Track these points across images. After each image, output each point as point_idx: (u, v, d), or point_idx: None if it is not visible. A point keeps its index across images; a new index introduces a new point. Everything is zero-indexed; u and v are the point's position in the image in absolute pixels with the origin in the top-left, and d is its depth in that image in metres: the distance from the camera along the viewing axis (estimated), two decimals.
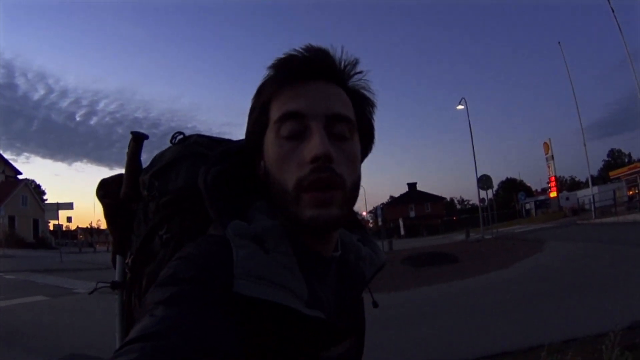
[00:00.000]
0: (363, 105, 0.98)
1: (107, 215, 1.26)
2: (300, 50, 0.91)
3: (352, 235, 1.09)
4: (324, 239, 0.94)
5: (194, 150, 1.09)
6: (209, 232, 0.94)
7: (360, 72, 0.97)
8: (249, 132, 0.97)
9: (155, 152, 1.18)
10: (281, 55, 0.92)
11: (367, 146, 1.01)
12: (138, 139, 1.23)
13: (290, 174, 0.85)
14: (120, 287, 1.21)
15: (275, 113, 0.90)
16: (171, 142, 1.15)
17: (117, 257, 1.23)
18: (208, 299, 0.72)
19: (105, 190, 1.26)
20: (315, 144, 0.84)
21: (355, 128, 0.93)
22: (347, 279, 1.01)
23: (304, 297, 0.81)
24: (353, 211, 1.04)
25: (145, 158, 1.20)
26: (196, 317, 0.68)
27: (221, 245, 0.82)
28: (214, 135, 1.18)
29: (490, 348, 5.99)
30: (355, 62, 0.96)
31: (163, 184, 1.06)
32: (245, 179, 0.97)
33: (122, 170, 1.22)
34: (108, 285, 1.23)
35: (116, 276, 1.22)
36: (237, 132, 1.11)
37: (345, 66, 0.95)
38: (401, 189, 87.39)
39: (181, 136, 1.16)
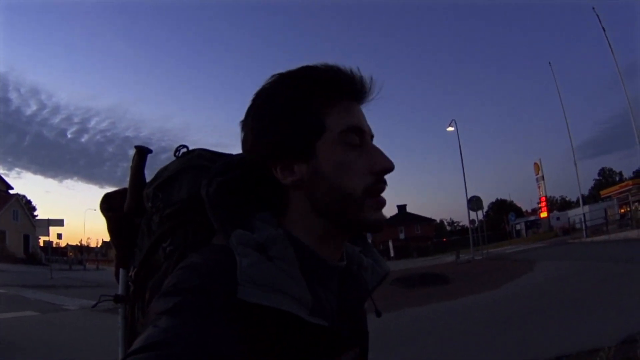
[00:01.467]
0: None
1: (111, 229, 1.26)
2: (351, 69, 0.95)
3: (354, 246, 1.11)
4: (337, 247, 0.98)
5: (197, 163, 1.10)
6: (212, 243, 0.95)
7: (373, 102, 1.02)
8: (290, 136, 0.92)
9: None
10: (321, 65, 0.94)
11: None
12: (142, 153, 1.24)
13: (358, 181, 0.90)
14: (124, 300, 1.21)
15: (337, 123, 0.92)
16: (175, 155, 1.16)
17: (121, 270, 1.23)
18: (212, 308, 0.73)
19: (109, 203, 1.27)
20: (384, 158, 0.93)
21: None
22: (351, 289, 1.02)
23: (308, 304, 0.82)
24: None
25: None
26: (200, 327, 0.69)
27: (224, 254, 0.83)
28: None
29: None
30: (380, 88, 0.99)
31: (167, 196, 1.07)
32: (247, 190, 0.98)
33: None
34: (111, 299, 1.22)
35: (119, 290, 1.22)
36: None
37: (371, 94, 0.99)
38: (391, 211, 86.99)
39: (184, 149, 1.17)
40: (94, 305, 1.34)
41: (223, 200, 0.92)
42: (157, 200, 1.09)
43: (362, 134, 0.94)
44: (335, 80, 0.94)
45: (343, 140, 0.91)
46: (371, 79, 0.97)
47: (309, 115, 0.92)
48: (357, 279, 1.06)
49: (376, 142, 0.98)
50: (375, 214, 0.92)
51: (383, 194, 0.94)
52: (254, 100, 0.97)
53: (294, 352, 0.82)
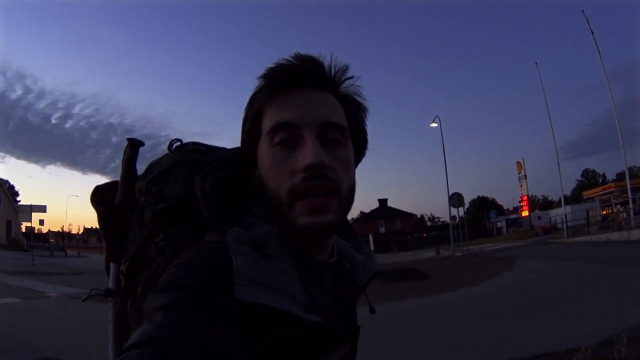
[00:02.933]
0: (355, 111, 1.00)
1: (102, 222, 1.24)
2: (290, 58, 0.92)
3: (346, 242, 1.12)
4: (320, 245, 0.96)
5: (191, 157, 1.08)
6: (205, 239, 0.94)
7: (350, 78, 0.99)
8: (243, 141, 0.98)
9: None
10: (271, 65, 0.93)
11: (360, 151, 1.04)
12: (134, 146, 1.22)
13: (284, 183, 0.87)
14: (115, 294, 1.19)
15: (267, 123, 0.91)
16: (169, 149, 1.14)
17: (112, 264, 1.21)
18: (208, 305, 0.73)
19: (100, 196, 1.25)
20: (307, 153, 0.86)
21: (348, 134, 0.95)
22: (343, 285, 1.02)
23: (302, 302, 0.82)
24: (346, 219, 1.07)
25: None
26: (196, 323, 0.69)
27: (220, 252, 0.83)
28: None
29: None
30: (345, 69, 0.97)
31: (160, 190, 1.06)
32: (242, 186, 0.98)
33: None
34: (102, 292, 1.20)
35: (110, 283, 1.20)
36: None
37: (335, 73, 0.96)
38: (372, 205, 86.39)
39: (178, 143, 1.14)
40: (85, 299, 1.30)
41: (218, 198, 0.92)
42: (151, 194, 1.07)
43: (295, 129, 0.89)
44: (273, 74, 0.93)
45: (271, 140, 0.90)
46: (330, 60, 0.95)
47: (251, 119, 0.95)
48: (350, 276, 1.06)
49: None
50: (305, 218, 0.87)
51: (317, 196, 0.87)
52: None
53: (288, 349, 0.82)
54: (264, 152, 0.92)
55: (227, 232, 0.85)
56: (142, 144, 1.24)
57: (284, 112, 0.90)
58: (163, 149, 1.16)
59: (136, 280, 1.07)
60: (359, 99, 1.02)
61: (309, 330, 0.82)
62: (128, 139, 1.23)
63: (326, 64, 0.95)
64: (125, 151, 1.22)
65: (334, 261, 1.01)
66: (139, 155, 1.23)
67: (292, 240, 0.90)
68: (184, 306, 0.72)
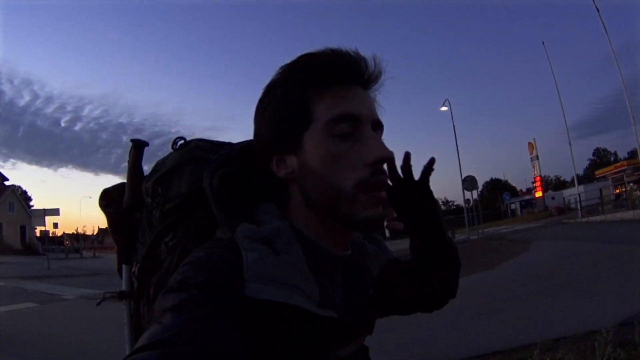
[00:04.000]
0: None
1: (111, 224, 1.24)
2: (341, 52, 0.90)
3: (357, 233, 1.10)
4: (342, 238, 0.96)
5: (196, 154, 1.07)
6: (215, 236, 0.94)
7: (382, 85, 0.98)
8: (279, 128, 0.92)
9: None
10: (317, 54, 0.91)
11: None
12: (139, 147, 1.21)
13: (348, 174, 0.86)
14: (128, 296, 1.18)
15: (325, 113, 0.88)
16: (172, 147, 1.13)
17: (124, 266, 1.20)
18: (218, 305, 0.72)
19: (108, 199, 1.24)
20: (378, 147, 0.87)
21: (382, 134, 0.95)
22: (355, 278, 1.00)
23: (315, 297, 0.82)
24: None
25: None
26: (205, 324, 0.68)
27: (230, 248, 0.82)
28: None
29: (480, 348, 5.96)
30: (383, 73, 0.96)
31: (166, 190, 1.05)
32: (250, 181, 0.97)
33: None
34: (115, 295, 1.20)
35: (123, 286, 1.20)
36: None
37: (376, 76, 0.95)
38: None
39: (182, 141, 1.14)
40: (99, 303, 1.30)
41: (227, 193, 0.91)
42: (157, 194, 1.07)
43: (356, 122, 0.88)
44: (326, 66, 0.90)
45: (331, 130, 0.88)
46: (374, 60, 0.93)
47: (296, 106, 0.91)
48: (362, 267, 1.05)
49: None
50: (369, 210, 0.87)
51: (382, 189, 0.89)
52: (261, 95, 0.96)
53: (301, 344, 0.81)
54: (318, 142, 0.88)
55: (237, 228, 0.85)
56: (147, 144, 1.24)
57: (347, 104, 0.89)
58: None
59: (148, 281, 1.07)
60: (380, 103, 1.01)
61: (322, 325, 0.82)
62: (132, 140, 1.22)
63: (371, 63, 0.93)
64: (130, 152, 1.21)
65: (348, 254, 0.99)
66: (150, 153, 1.22)
67: (313, 233, 0.90)
68: (192, 307, 0.71)
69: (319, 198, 0.89)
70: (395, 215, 1.03)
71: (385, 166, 0.92)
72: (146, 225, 1.11)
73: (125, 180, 1.22)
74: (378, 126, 0.92)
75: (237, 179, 0.95)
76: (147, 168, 1.19)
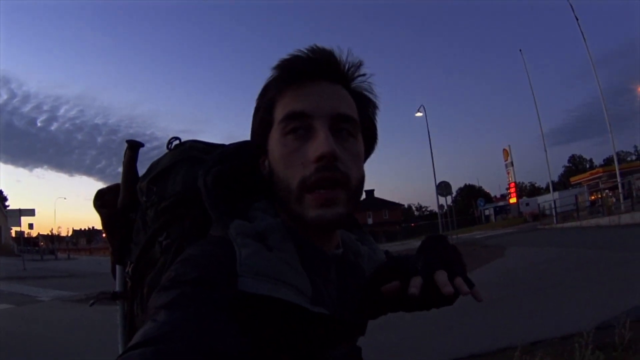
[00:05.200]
0: (366, 106, 1.00)
1: (105, 225, 1.24)
2: (306, 50, 0.92)
3: (350, 234, 1.12)
4: (327, 237, 0.97)
5: (190, 154, 1.08)
6: (209, 234, 0.94)
7: (364, 75, 0.99)
8: (253, 131, 0.99)
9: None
10: (286, 56, 0.93)
11: (370, 146, 1.04)
12: (133, 148, 1.21)
13: (295, 173, 0.87)
14: (122, 297, 1.18)
15: (279, 113, 0.91)
16: (167, 147, 1.14)
17: (117, 267, 1.20)
18: (211, 301, 0.72)
19: (102, 200, 1.24)
20: (320, 143, 0.85)
21: (359, 128, 0.95)
22: (348, 277, 1.00)
23: (308, 294, 0.82)
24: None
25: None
26: (199, 320, 0.68)
27: (223, 245, 0.82)
28: None
29: (457, 351, 5.99)
30: (359, 64, 0.98)
31: (161, 189, 1.06)
32: (244, 180, 0.98)
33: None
34: (109, 296, 1.19)
35: (117, 286, 1.19)
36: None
37: (349, 67, 0.96)
38: None
39: (177, 141, 1.14)
40: (92, 303, 1.27)
41: (220, 191, 0.92)
42: (152, 194, 1.07)
43: (307, 119, 0.89)
44: (287, 65, 0.93)
45: (283, 129, 0.90)
46: (346, 53, 0.96)
47: (263, 109, 0.95)
48: (355, 267, 1.05)
49: None
50: (315, 210, 0.87)
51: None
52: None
53: (294, 341, 0.81)
54: (275, 142, 0.92)
55: (230, 225, 0.85)
56: (142, 145, 1.24)
57: (297, 102, 0.90)
58: (149, 147, 1.15)
59: (142, 281, 1.07)
60: (370, 95, 1.02)
61: (315, 322, 0.80)
62: (127, 141, 1.22)
63: (341, 57, 0.95)
64: (125, 153, 1.21)
65: (340, 253, 1.00)
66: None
67: (300, 231, 0.91)
68: (185, 303, 0.71)
69: (281, 197, 0.91)
70: None
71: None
72: (140, 225, 1.12)
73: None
74: (344, 120, 0.92)
75: (231, 177, 0.96)
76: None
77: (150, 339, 0.65)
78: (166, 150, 1.15)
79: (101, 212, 1.25)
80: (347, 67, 0.97)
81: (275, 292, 0.76)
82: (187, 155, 1.09)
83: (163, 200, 1.05)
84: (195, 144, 1.13)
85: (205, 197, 0.92)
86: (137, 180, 1.15)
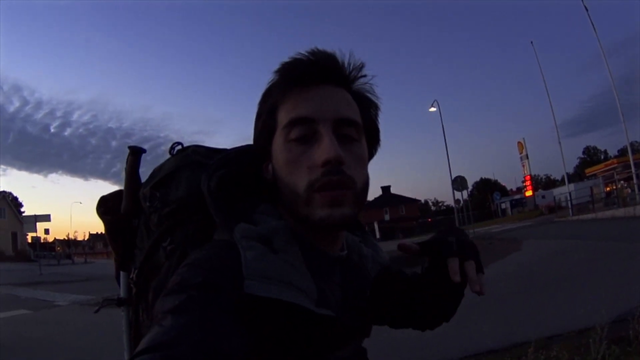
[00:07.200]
0: (368, 108, 1.01)
1: (109, 231, 1.22)
2: (307, 54, 0.92)
3: (353, 236, 1.12)
4: (333, 239, 0.97)
5: (193, 159, 1.08)
6: (213, 239, 0.94)
7: (365, 76, 0.99)
8: (256, 136, 0.99)
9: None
10: (287, 59, 0.93)
11: (373, 148, 1.04)
12: (136, 153, 1.21)
13: (301, 177, 0.87)
14: (127, 303, 1.17)
15: (283, 118, 0.91)
16: (170, 153, 1.14)
17: (122, 273, 1.19)
18: (217, 305, 0.72)
19: (106, 206, 1.23)
20: (326, 148, 0.86)
21: (362, 130, 0.95)
22: (352, 279, 1.01)
23: (313, 296, 0.82)
24: None
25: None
26: (205, 325, 0.68)
27: (228, 248, 0.83)
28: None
29: (474, 347, 5.98)
30: (361, 66, 0.98)
31: (164, 195, 1.05)
32: (247, 183, 0.98)
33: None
34: (114, 302, 1.19)
35: (121, 292, 1.19)
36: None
37: (351, 70, 0.97)
38: (375, 193, 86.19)
39: (179, 147, 1.14)
40: (97, 310, 1.29)
41: (224, 195, 0.92)
42: (155, 199, 1.07)
43: (311, 124, 0.90)
44: (289, 69, 0.93)
45: (287, 135, 0.90)
46: (348, 56, 0.96)
47: (266, 114, 0.95)
48: (359, 269, 1.06)
49: None
50: (323, 210, 0.87)
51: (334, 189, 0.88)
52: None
53: (300, 343, 0.82)
54: (280, 147, 0.92)
55: (235, 229, 0.85)
56: (144, 150, 1.24)
57: (301, 108, 0.90)
58: (163, 150, 1.16)
59: (147, 287, 1.06)
60: (372, 96, 1.02)
61: (320, 324, 0.81)
62: (129, 147, 1.22)
63: (342, 60, 0.95)
64: (127, 159, 1.21)
65: (344, 255, 1.01)
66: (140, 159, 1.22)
67: (305, 233, 0.91)
68: (192, 308, 0.71)
69: (286, 201, 0.92)
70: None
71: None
72: (144, 230, 1.12)
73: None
74: (348, 124, 0.92)
75: (234, 181, 0.96)
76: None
77: (157, 345, 0.65)
78: (168, 156, 1.15)
79: (104, 219, 1.24)
80: (349, 69, 0.97)
81: (281, 295, 0.76)
82: (190, 160, 1.08)
83: (166, 205, 1.05)
84: (197, 149, 1.12)
85: (209, 201, 0.92)
86: (139, 186, 1.15)
